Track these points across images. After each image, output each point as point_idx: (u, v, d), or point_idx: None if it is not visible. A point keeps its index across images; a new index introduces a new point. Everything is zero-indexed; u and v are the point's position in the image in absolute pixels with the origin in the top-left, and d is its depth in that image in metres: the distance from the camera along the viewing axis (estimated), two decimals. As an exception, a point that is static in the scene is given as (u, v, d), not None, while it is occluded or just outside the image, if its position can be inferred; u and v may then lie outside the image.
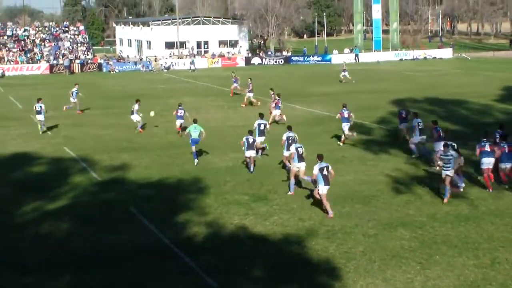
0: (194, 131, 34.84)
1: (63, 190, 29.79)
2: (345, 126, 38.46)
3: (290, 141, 30.94)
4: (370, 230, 23.46)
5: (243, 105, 56.12)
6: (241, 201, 27.66)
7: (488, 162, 28.72)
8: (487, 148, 28.97)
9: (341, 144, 38.87)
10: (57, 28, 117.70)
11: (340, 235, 22.80)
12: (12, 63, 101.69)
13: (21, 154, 38.28)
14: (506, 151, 28.72)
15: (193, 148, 34.86)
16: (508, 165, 28.78)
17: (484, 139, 29.57)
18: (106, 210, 26.76)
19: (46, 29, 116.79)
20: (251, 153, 32.91)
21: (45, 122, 45.72)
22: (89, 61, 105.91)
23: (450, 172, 26.81)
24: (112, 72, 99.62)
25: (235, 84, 62.62)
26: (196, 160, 34.66)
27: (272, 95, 49.34)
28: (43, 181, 31.68)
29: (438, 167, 27.80)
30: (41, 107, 45.22)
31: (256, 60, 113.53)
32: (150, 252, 21.78)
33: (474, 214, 25.32)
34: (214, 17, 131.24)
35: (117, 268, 20.72)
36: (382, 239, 22.38)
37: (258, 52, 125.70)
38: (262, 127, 35.98)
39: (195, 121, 35.46)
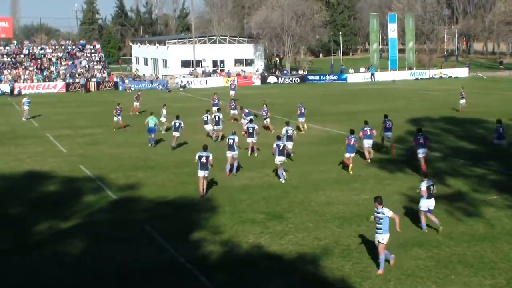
0: (151, 121, 45.14)
1: (79, 209, 29.85)
2: (368, 143, 39.07)
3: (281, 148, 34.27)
4: (385, 249, 23.36)
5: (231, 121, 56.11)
6: (256, 220, 27.63)
7: (422, 152, 35.51)
8: (422, 140, 35.72)
9: (369, 160, 39.09)
10: (74, 47, 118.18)
11: (355, 254, 22.76)
12: (28, 81, 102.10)
13: (37, 172, 38.44)
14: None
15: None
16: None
17: (420, 133, 36.27)
18: (121, 228, 26.76)
19: (63, 47, 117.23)
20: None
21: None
22: (105, 80, 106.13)
23: (381, 238, 21.69)
24: (128, 91, 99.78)
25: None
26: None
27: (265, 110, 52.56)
28: (59, 200, 31.74)
29: None
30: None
31: (272, 79, 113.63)
32: (165, 271, 21.72)
33: (490, 234, 25.23)
34: (230, 36, 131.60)
35: (132, 287, 20.71)
36: (398, 259, 22.24)
37: (274, 71, 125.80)
38: (290, 132, 39.25)
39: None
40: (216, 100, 61.00)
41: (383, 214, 21.17)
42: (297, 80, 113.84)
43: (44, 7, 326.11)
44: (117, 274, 21.70)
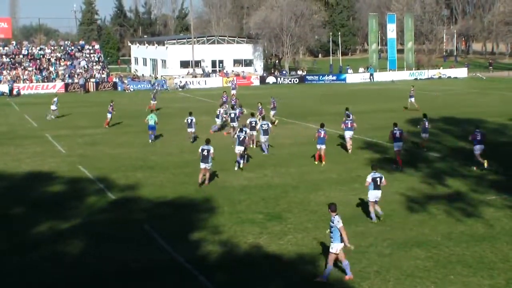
0: (151, 119, 47.64)
1: (78, 209, 29.86)
2: (348, 135, 42.76)
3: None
4: (384, 249, 23.42)
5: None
6: (255, 220, 27.62)
7: (397, 146, 37.69)
8: (398, 135, 37.70)
9: (350, 151, 42.66)
10: (73, 47, 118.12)
11: (354, 255, 22.59)
12: (27, 82, 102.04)
13: (36, 172, 38.43)
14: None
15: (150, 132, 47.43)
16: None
17: (396, 128, 38.07)
18: (120, 228, 26.72)
19: (62, 48, 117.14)
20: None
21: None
22: (104, 80, 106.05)
23: (331, 247, 20.95)
24: (126, 91, 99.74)
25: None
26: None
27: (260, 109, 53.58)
28: (58, 200, 31.76)
29: None
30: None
31: (271, 79, 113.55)
32: (164, 271, 21.71)
33: (489, 234, 25.24)
34: (229, 36, 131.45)
35: (132, 287, 20.71)
36: (397, 259, 22.31)
37: (273, 71, 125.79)
38: (265, 126, 42.40)
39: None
40: (225, 98, 63.54)
41: (332, 223, 20.77)
42: (296, 80, 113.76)
43: (43, 8, 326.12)
44: (116, 274, 21.67)
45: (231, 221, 27.54)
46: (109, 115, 57.35)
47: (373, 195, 27.00)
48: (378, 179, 27.01)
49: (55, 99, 66.35)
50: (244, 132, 38.37)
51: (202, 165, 33.81)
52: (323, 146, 38.85)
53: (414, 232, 25.59)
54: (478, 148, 37.20)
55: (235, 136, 39.14)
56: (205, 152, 33.60)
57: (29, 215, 28.90)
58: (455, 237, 24.77)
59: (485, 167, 36.07)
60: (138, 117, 61.47)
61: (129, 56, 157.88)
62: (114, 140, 50.01)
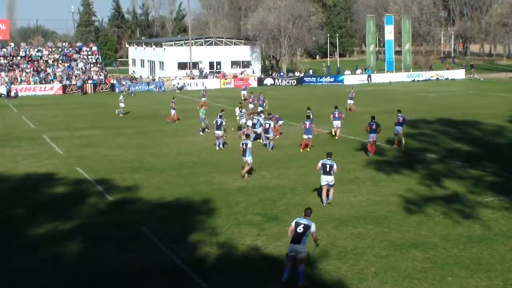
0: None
1: (76, 211, 29.81)
2: (336, 124, 48.79)
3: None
4: (382, 251, 23.42)
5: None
6: (253, 222, 27.54)
7: (372, 136, 41.36)
8: (374, 126, 41.33)
9: (337, 137, 48.65)
10: (70, 49, 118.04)
11: (352, 256, 22.74)
12: (25, 83, 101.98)
13: (34, 174, 38.36)
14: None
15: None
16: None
17: (373, 120, 41.89)
18: (118, 230, 26.71)
19: (59, 49, 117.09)
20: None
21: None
22: (102, 82, 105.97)
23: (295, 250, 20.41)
24: (124, 93, 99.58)
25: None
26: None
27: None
28: (56, 202, 31.72)
29: None
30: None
31: (268, 81, 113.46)
32: (162, 272, 21.70)
33: (486, 236, 25.23)
34: (226, 38, 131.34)
35: (129, 288, 20.60)
36: (394, 260, 22.34)
37: (270, 73, 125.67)
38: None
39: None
40: (251, 98, 65.38)
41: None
42: (293, 82, 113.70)
43: (40, 9, 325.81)
44: (114, 275, 21.65)
45: (229, 222, 27.47)
46: (173, 111, 60.57)
47: (323, 179, 29.78)
48: (328, 165, 29.71)
49: (121, 97, 69.10)
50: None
51: (216, 132, 43.85)
52: (311, 136, 44.02)
53: (411, 233, 25.57)
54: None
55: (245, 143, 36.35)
56: (219, 123, 43.62)
57: (28, 217, 28.83)
58: (453, 239, 24.76)
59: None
60: (135, 118, 61.48)
61: (127, 57, 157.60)
62: (111, 142, 49.90)
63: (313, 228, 20.23)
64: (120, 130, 56.33)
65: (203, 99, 72.30)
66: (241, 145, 36.02)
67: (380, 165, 38.71)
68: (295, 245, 19.96)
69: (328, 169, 29.64)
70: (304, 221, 20.30)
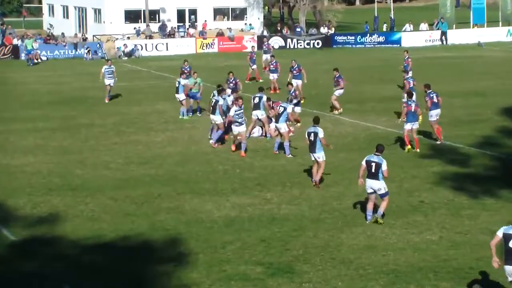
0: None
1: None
2: (339, 93, 41.57)
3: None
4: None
5: None
6: (250, 276, 20.10)
7: (434, 113, 34.31)
8: (435, 99, 34.37)
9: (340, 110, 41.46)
10: None
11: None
12: None
13: None
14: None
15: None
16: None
17: (431, 91, 34.73)
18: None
19: None
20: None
21: None
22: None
23: None
24: (34, 60, 76.47)
25: None
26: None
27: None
28: None
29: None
30: None
31: (276, 41, 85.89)
32: None
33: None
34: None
35: None
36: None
37: (279, 29, 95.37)
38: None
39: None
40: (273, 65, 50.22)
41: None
42: (317, 44, 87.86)
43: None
44: None
45: (210, 278, 20.01)
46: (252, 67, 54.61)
47: (368, 185, 23.75)
48: (373, 164, 23.48)
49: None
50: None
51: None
52: (416, 124, 33.92)
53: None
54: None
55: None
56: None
57: None
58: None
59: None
60: (54, 104, 47.79)
61: (40, 3, 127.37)
62: (15, 144, 37.86)
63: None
64: (29, 124, 42.93)
65: (253, 66, 56.06)
66: (306, 136, 28.23)
67: (462, 181, 29.10)
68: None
69: (373, 170, 22.98)
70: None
